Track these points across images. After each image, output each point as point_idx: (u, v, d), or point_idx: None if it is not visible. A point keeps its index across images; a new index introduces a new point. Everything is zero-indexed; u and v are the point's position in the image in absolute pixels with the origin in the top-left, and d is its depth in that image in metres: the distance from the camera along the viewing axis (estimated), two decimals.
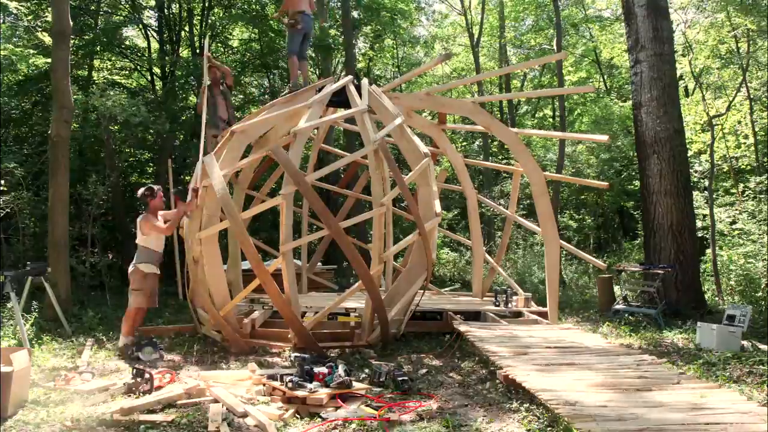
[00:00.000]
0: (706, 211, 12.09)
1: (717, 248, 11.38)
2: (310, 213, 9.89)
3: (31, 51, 12.42)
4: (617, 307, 9.00)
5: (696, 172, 13.92)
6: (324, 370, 4.94)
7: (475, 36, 19.78)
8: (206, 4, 14.07)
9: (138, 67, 14.65)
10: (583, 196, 18.06)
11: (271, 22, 13.90)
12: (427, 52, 22.92)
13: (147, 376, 4.93)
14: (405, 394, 4.97)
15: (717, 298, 10.35)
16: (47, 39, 11.65)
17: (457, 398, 4.95)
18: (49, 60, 10.25)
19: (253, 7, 14.26)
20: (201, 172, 6.92)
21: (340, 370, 4.95)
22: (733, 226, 12.45)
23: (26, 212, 10.65)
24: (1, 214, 9.85)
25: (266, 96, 15.66)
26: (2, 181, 10.07)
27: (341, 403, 4.62)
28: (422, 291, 7.22)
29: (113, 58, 14.54)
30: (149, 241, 6.66)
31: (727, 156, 14.55)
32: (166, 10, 13.76)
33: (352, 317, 7.35)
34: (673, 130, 9.34)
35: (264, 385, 4.93)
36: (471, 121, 9.54)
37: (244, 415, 4.34)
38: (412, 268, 7.25)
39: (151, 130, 12.30)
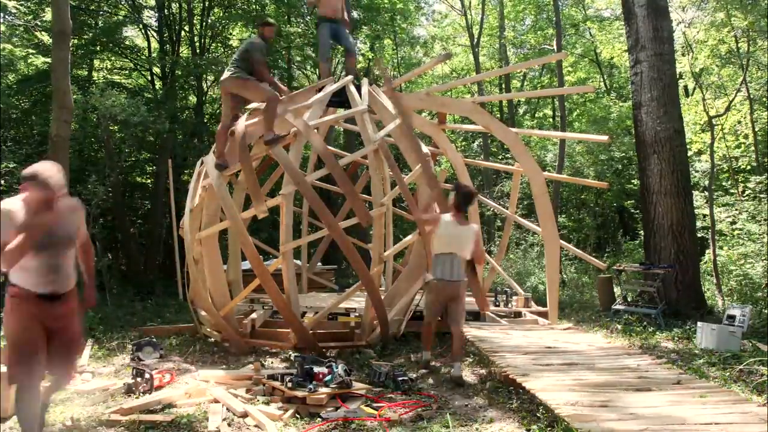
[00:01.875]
0: (706, 211, 12.09)
1: (717, 248, 11.38)
2: (310, 213, 9.89)
3: (31, 51, 12.42)
4: (617, 307, 9.00)
5: (696, 172, 13.92)
6: (324, 370, 4.94)
7: (475, 36, 19.78)
8: (206, 4, 14.06)
9: (138, 66, 14.64)
10: (583, 196, 18.05)
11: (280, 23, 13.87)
12: (427, 53, 22.91)
13: (147, 376, 4.93)
14: (405, 394, 4.97)
15: (717, 298, 10.35)
16: (47, 38, 11.64)
17: (457, 398, 4.95)
18: (49, 59, 10.25)
19: (253, 7, 14.26)
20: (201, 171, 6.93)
21: (340, 369, 4.95)
22: (733, 226, 12.45)
23: None
24: None
25: None
26: (2, 181, 10.06)
27: (341, 402, 4.62)
28: (422, 291, 7.22)
29: (113, 58, 14.53)
30: None
31: (727, 156, 14.55)
32: (166, 10, 13.75)
33: (352, 317, 7.35)
34: (673, 130, 9.34)
35: (264, 384, 4.93)
36: (471, 121, 9.53)
37: (244, 415, 4.34)
38: (412, 268, 7.25)
39: (150, 130, 12.29)
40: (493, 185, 17.63)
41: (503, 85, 21.00)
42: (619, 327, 8.15)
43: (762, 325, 8.08)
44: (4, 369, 4.33)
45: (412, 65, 21.50)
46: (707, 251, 11.69)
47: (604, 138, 9.66)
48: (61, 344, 3.50)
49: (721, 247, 11.77)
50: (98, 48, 13.32)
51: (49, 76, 9.50)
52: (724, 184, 14.96)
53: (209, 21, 14.16)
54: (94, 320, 7.98)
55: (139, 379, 4.95)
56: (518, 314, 8.14)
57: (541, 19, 20.65)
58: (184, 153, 13.11)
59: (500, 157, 17.96)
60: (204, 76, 13.66)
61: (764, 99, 14.29)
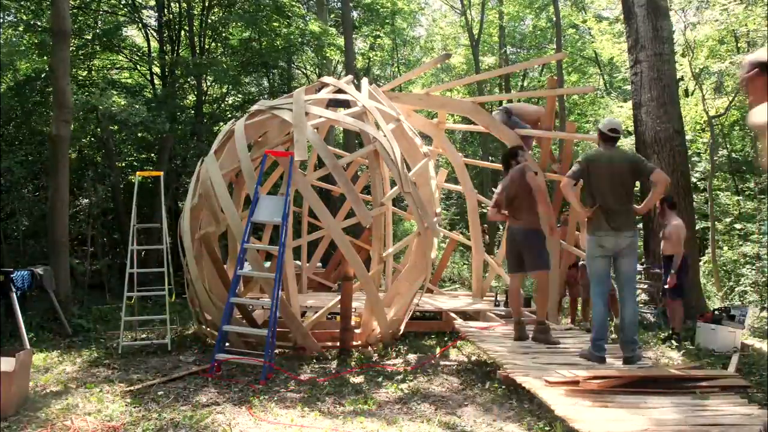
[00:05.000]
0: (706, 211, 12.10)
1: (717, 248, 11.38)
2: (310, 213, 9.89)
3: (33, 50, 12.39)
4: None
5: (696, 172, 13.93)
6: None
7: (475, 36, 19.78)
8: (206, 4, 14.05)
9: (138, 66, 14.63)
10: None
11: (273, 23, 13.85)
12: (426, 53, 22.92)
13: None
14: None
15: (717, 298, 10.35)
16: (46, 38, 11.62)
17: (457, 398, 4.95)
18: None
19: (253, 7, 14.23)
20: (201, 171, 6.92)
21: None
22: (733, 226, 12.46)
23: (26, 212, 10.63)
24: (2, 215, 9.84)
25: (265, 96, 15.64)
26: (2, 180, 10.05)
27: None
28: (422, 291, 7.23)
29: (112, 56, 14.52)
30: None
31: (727, 156, 14.55)
32: (165, 10, 13.73)
33: (353, 317, 7.34)
34: (673, 130, 9.33)
35: None
36: (471, 121, 9.54)
37: None
38: (412, 268, 7.25)
39: (150, 130, 12.28)
40: (493, 187, 17.63)
41: (503, 85, 21.01)
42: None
43: (762, 325, 8.09)
44: (4, 368, 4.33)
45: (412, 65, 21.52)
46: (707, 251, 11.70)
47: None
48: None
49: (720, 248, 11.77)
50: (98, 48, 13.31)
51: (49, 76, 9.50)
52: (724, 184, 14.98)
53: (209, 21, 14.14)
54: (93, 320, 7.99)
55: None
56: None
57: (541, 19, 20.67)
58: (184, 153, 13.10)
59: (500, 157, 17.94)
60: (204, 76, 13.64)
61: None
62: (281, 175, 8.10)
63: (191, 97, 15.08)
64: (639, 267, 9.28)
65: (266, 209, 6.23)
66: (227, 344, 6.65)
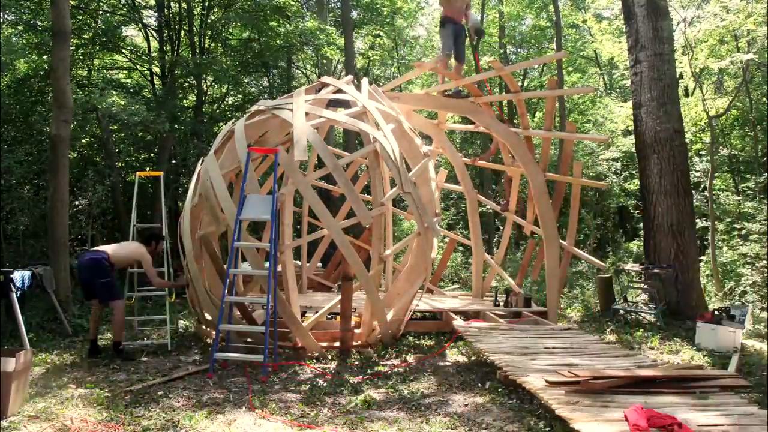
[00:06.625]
0: (707, 211, 12.10)
1: (717, 248, 11.38)
2: (310, 213, 9.89)
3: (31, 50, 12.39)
4: (617, 307, 9.00)
5: (696, 172, 13.93)
6: None
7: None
8: (206, 4, 14.04)
9: (137, 66, 14.63)
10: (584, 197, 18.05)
11: (271, 22, 13.84)
12: (426, 52, 22.91)
13: None
14: None
15: (717, 298, 10.35)
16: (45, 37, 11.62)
17: (457, 397, 4.95)
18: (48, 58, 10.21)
19: (252, 7, 14.23)
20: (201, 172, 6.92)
21: None
22: (733, 226, 12.46)
23: (26, 212, 10.63)
24: (2, 214, 9.84)
25: (265, 96, 15.63)
26: (2, 181, 10.05)
27: None
28: (422, 291, 7.22)
29: (112, 56, 14.51)
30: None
31: (728, 155, 14.55)
32: (165, 10, 13.73)
33: (352, 317, 7.34)
34: (673, 130, 9.34)
35: None
36: (471, 121, 9.54)
37: None
38: (412, 268, 7.25)
39: (150, 130, 12.28)
40: (492, 184, 17.62)
41: (503, 85, 20.99)
42: (619, 327, 8.15)
43: (762, 325, 8.09)
44: (5, 369, 4.33)
45: (412, 65, 21.50)
46: (707, 251, 11.70)
47: (604, 137, 9.65)
48: None
49: (720, 247, 11.77)
50: (98, 48, 13.30)
51: (49, 75, 9.48)
52: (724, 183, 14.98)
53: (209, 21, 14.14)
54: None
55: None
56: (518, 314, 8.14)
57: (541, 19, 20.65)
58: (184, 153, 13.10)
59: (500, 156, 17.94)
60: (204, 76, 13.64)
61: (764, 99, 14.29)
62: (281, 174, 8.09)
63: (191, 97, 15.07)
64: (638, 267, 9.30)
65: (254, 207, 6.14)
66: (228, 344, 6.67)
